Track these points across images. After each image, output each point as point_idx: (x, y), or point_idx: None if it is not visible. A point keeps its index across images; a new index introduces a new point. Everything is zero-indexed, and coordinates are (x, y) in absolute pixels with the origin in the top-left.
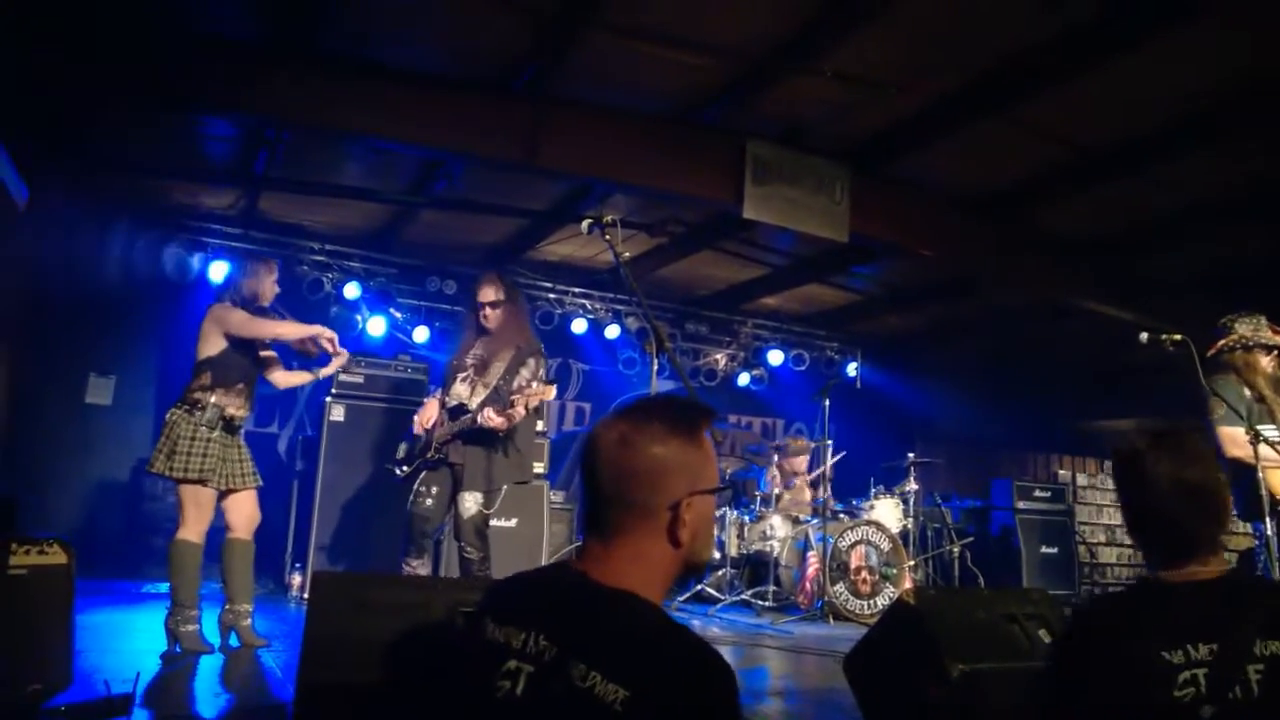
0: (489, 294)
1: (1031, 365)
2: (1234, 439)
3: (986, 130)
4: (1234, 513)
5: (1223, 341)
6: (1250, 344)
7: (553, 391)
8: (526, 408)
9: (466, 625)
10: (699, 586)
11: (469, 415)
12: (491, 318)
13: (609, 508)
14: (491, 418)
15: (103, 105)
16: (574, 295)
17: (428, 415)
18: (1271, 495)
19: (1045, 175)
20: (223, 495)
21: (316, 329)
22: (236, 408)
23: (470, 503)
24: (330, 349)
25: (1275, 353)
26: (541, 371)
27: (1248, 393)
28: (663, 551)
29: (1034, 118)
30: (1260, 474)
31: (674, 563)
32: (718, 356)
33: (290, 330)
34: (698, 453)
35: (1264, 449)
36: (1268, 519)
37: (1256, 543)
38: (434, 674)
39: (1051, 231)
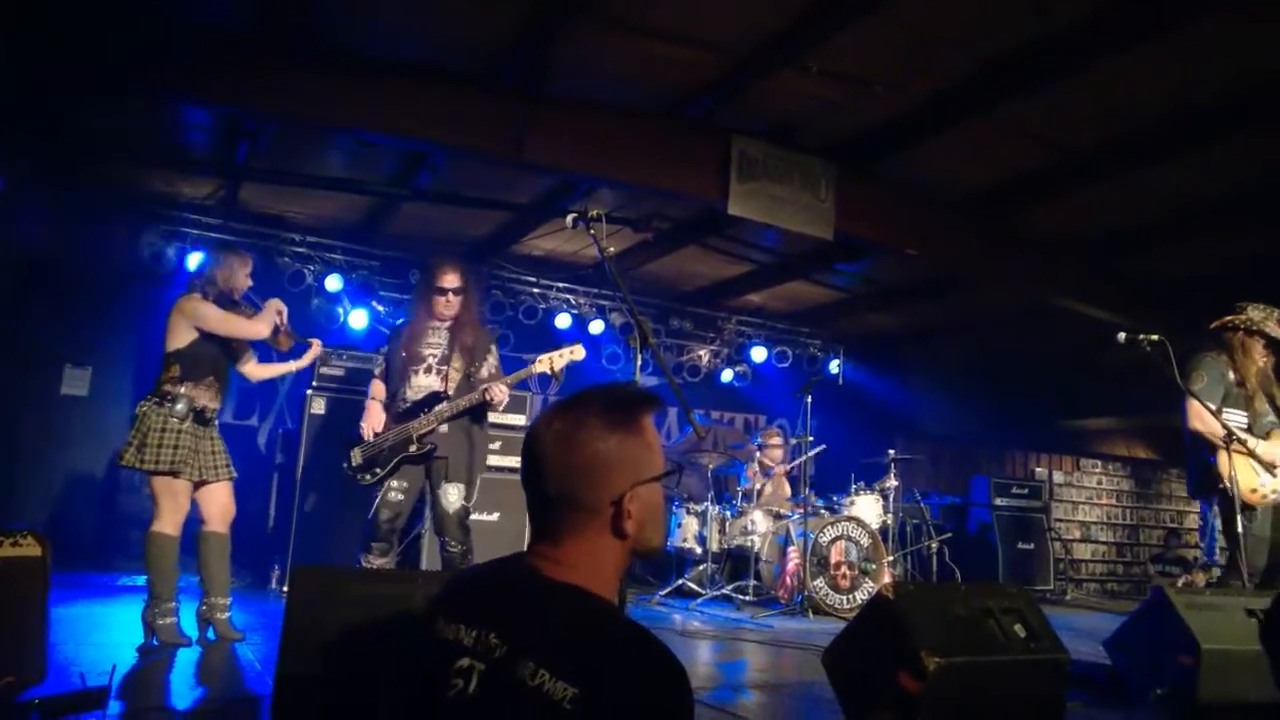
0: (453, 280)
1: (1011, 364)
2: (1199, 413)
3: (973, 131)
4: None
5: (1230, 317)
6: (1254, 328)
7: (582, 351)
8: (552, 369)
9: (418, 623)
10: (680, 581)
11: (458, 399)
12: (453, 304)
13: (553, 507)
14: (498, 392)
15: (81, 92)
16: (558, 290)
17: (376, 421)
18: (1224, 479)
19: (1030, 177)
20: (196, 487)
21: (271, 306)
22: (208, 400)
23: (454, 495)
24: (279, 320)
25: (1273, 349)
26: (496, 363)
27: (1231, 375)
28: (611, 544)
29: (1020, 119)
30: (1219, 457)
31: (623, 553)
32: (701, 353)
33: (263, 328)
34: (639, 443)
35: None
36: (1217, 502)
37: (1201, 524)
38: (394, 672)
39: (1036, 232)
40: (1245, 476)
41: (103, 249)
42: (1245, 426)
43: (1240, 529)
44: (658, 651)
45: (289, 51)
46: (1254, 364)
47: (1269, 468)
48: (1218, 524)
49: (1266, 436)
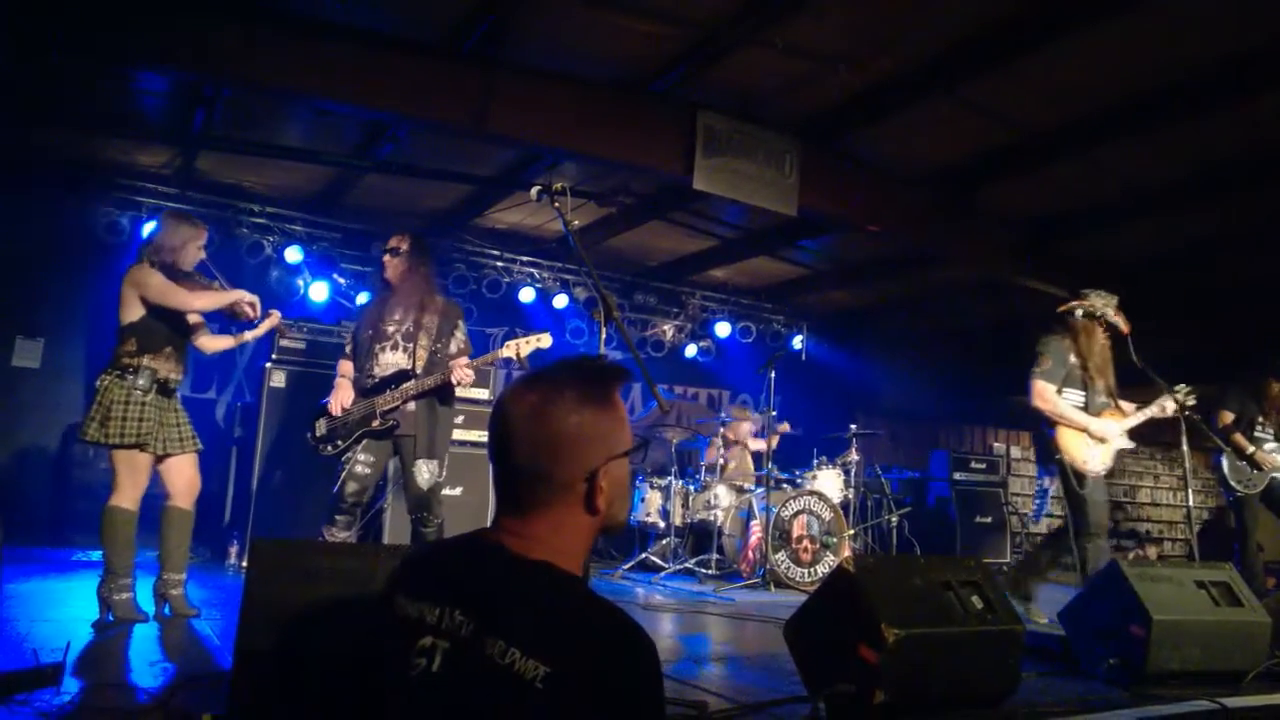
0: (393, 241)
1: (971, 340)
2: (1041, 393)
3: (935, 108)
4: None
5: (1074, 303)
6: (1095, 314)
7: (549, 339)
8: (518, 355)
9: (378, 601)
10: (643, 555)
11: (424, 379)
12: (390, 265)
13: (523, 482)
14: (463, 372)
15: (29, 55)
16: (522, 264)
17: (345, 397)
18: (1060, 451)
19: (991, 155)
20: (159, 460)
21: (235, 294)
22: (169, 370)
23: (427, 472)
24: (251, 314)
25: (1110, 333)
26: (465, 338)
27: (1072, 357)
28: (581, 520)
29: (982, 98)
30: (1056, 431)
31: (592, 529)
32: (665, 328)
33: (208, 302)
34: (611, 418)
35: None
36: (1064, 474)
37: (1036, 488)
38: (354, 650)
39: (996, 210)
40: (1078, 449)
41: (55, 218)
42: (1082, 405)
43: (1084, 492)
44: (628, 627)
45: (247, 16)
46: (1094, 347)
47: (1099, 442)
48: (1052, 490)
49: (1099, 415)
